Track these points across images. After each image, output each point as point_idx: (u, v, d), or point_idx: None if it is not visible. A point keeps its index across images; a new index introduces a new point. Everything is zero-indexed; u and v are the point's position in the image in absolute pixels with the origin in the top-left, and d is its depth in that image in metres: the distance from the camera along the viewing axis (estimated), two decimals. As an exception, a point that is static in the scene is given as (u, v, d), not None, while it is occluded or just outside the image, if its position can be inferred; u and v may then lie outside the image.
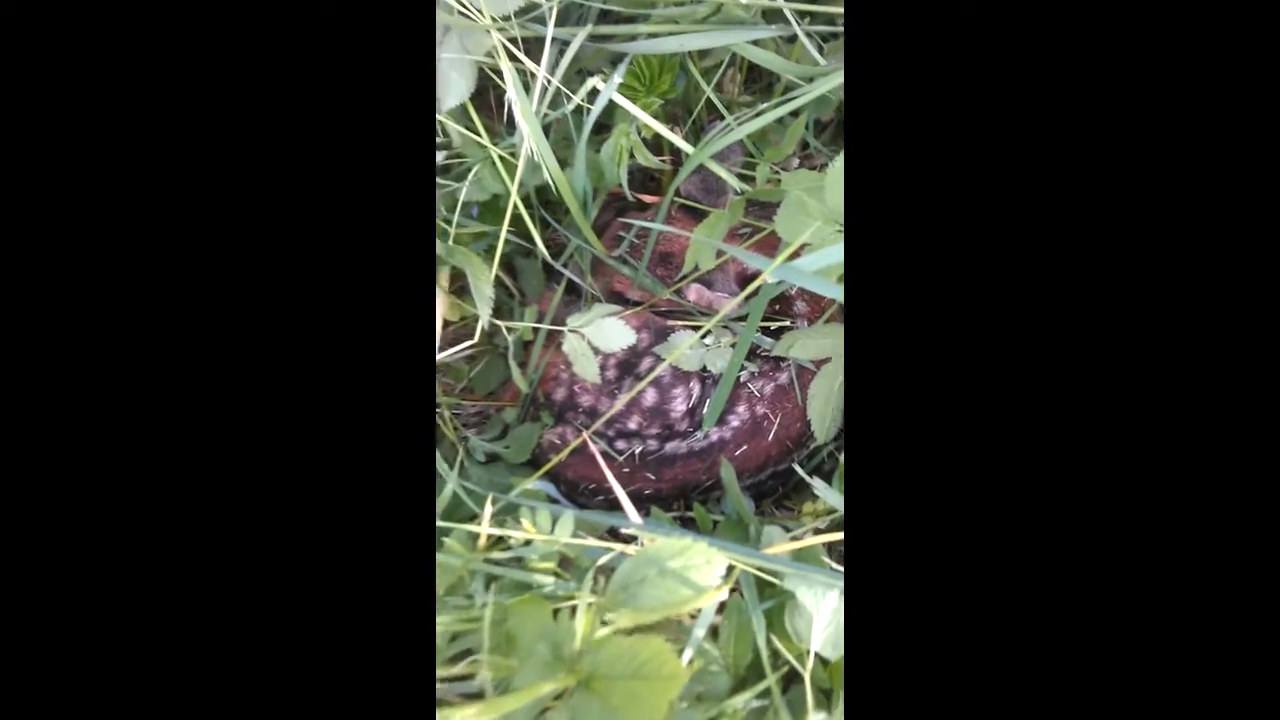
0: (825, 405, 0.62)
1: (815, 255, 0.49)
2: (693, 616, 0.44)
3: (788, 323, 0.64)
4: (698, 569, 0.37)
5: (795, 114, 0.61)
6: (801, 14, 0.56)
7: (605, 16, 0.58)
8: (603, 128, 0.61)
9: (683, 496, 0.63)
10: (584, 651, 0.37)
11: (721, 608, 0.46)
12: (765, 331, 0.63)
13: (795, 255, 0.50)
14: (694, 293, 0.63)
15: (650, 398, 0.61)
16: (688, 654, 0.42)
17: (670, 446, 0.61)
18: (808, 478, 0.55)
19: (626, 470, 0.61)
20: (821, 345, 0.62)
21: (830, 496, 0.55)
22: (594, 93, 0.57)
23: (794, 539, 0.51)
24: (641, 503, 0.59)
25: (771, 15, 0.56)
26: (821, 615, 0.44)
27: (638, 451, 0.61)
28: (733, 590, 0.46)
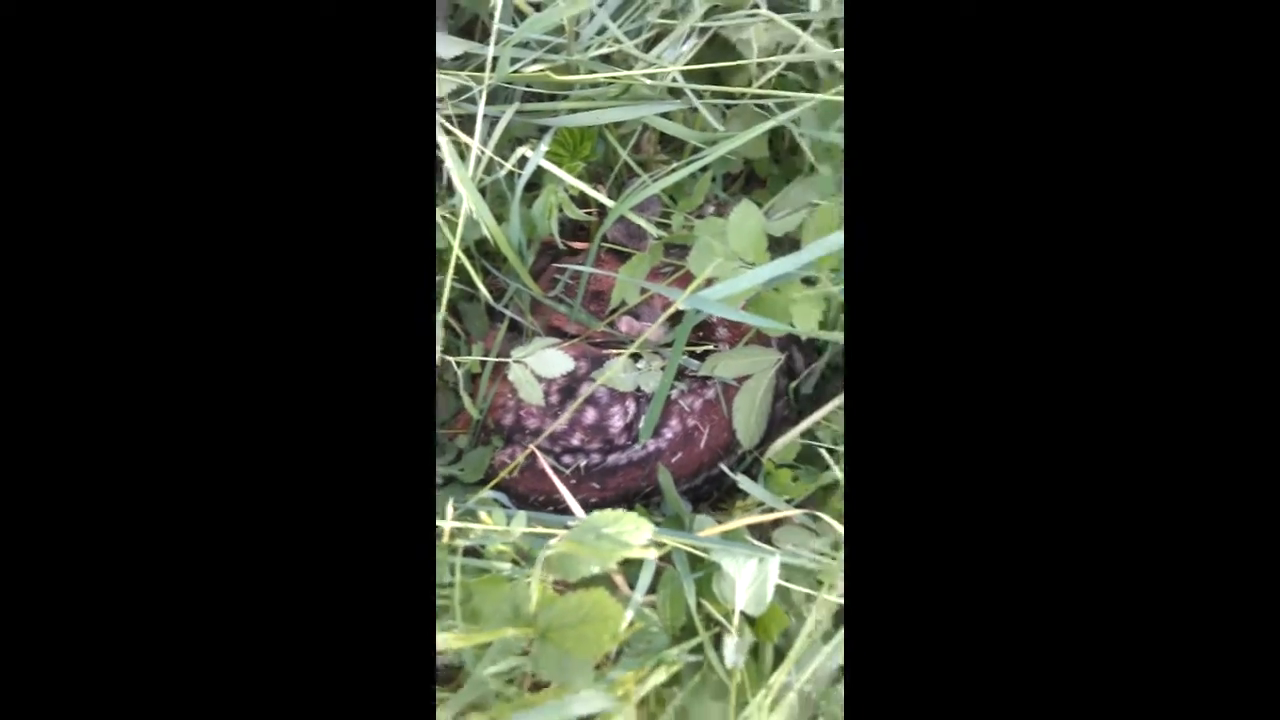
0: (748, 416, 0.74)
1: (720, 286, 0.61)
2: (631, 587, 0.54)
3: (711, 346, 0.76)
4: (629, 533, 0.47)
5: (705, 169, 0.74)
6: (698, 92, 0.70)
7: (530, 97, 0.71)
8: (534, 185, 0.73)
9: (626, 502, 0.73)
10: (539, 611, 0.47)
11: (657, 578, 0.56)
12: (692, 355, 0.75)
13: (707, 287, 0.63)
14: (625, 324, 0.75)
15: (591, 417, 0.72)
16: (629, 615, 0.52)
17: (612, 458, 0.72)
18: (732, 474, 0.66)
19: (574, 482, 0.71)
20: (742, 364, 0.74)
21: (755, 490, 0.66)
22: (524, 160, 0.70)
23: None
24: (589, 510, 0.69)
25: (676, 91, 0.71)
26: (743, 579, 0.55)
27: (583, 465, 0.71)
28: (667, 560, 0.57)
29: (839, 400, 0.70)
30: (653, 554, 0.48)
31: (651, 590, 0.58)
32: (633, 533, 0.47)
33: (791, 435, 0.71)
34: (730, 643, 0.51)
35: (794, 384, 0.76)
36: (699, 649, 0.54)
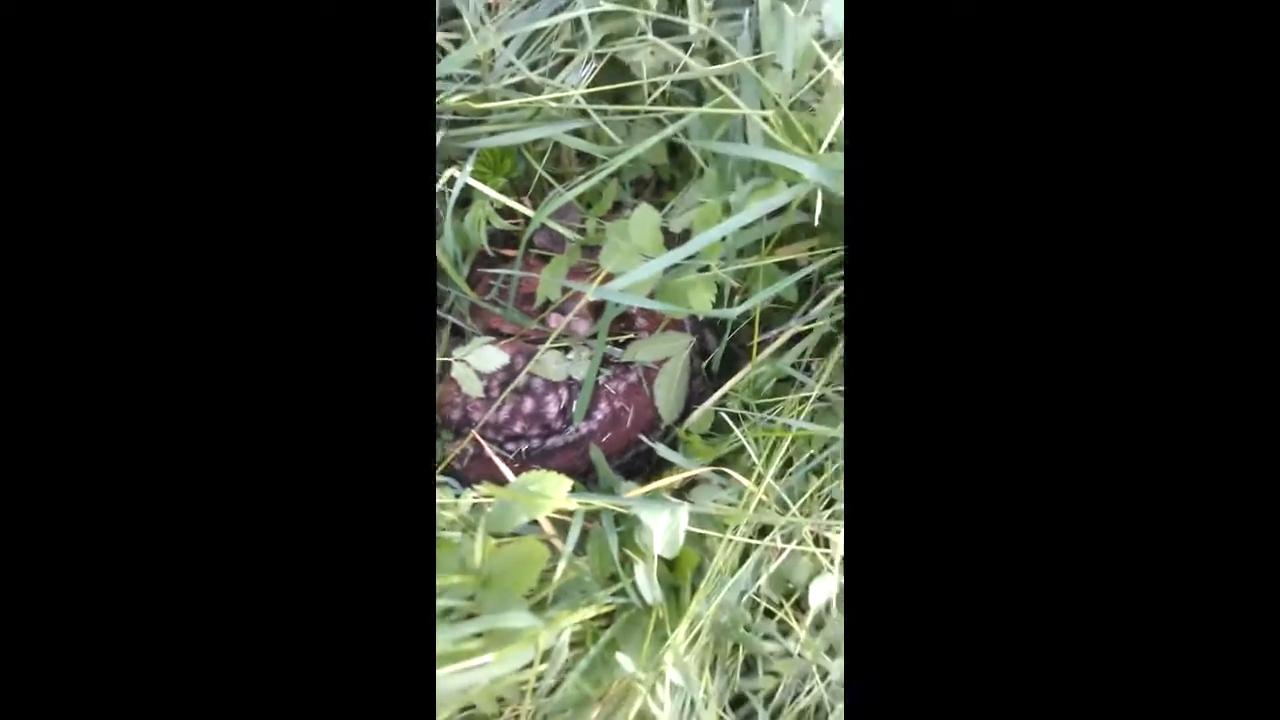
0: (668, 394, 0.84)
1: (623, 278, 0.71)
2: (561, 541, 0.64)
3: (632, 335, 0.86)
4: (550, 488, 0.57)
5: (613, 177, 0.84)
6: (600, 110, 0.80)
7: (455, 124, 0.81)
8: (465, 201, 0.83)
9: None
10: (483, 565, 0.57)
11: (585, 537, 0.66)
12: (615, 344, 0.85)
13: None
14: (555, 320, 0.85)
15: (530, 406, 0.82)
16: (561, 566, 0.62)
17: (550, 442, 0.81)
18: (654, 445, 0.77)
19: (517, 465, 0.80)
20: (660, 348, 0.85)
21: (672, 456, 0.77)
22: (453, 179, 0.79)
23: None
24: (532, 488, 0.78)
25: (581, 111, 0.81)
26: (659, 527, 0.65)
27: (524, 449, 0.81)
28: (595, 520, 0.67)
29: (744, 372, 0.81)
30: (573, 504, 0.58)
31: (584, 550, 0.68)
32: (554, 487, 0.57)
33: (705, 407, 0.82)
34: (640, 570, 0.61)
35: (706, 362, 0.86)
36: (624, 593, 0.64)
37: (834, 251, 0.80)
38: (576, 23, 0.81)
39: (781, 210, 0.75)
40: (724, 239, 0.73)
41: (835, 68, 0.76)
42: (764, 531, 0.71)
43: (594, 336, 0.85)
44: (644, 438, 0.81)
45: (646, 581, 0.61)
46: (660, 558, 0.65)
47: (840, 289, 0.82)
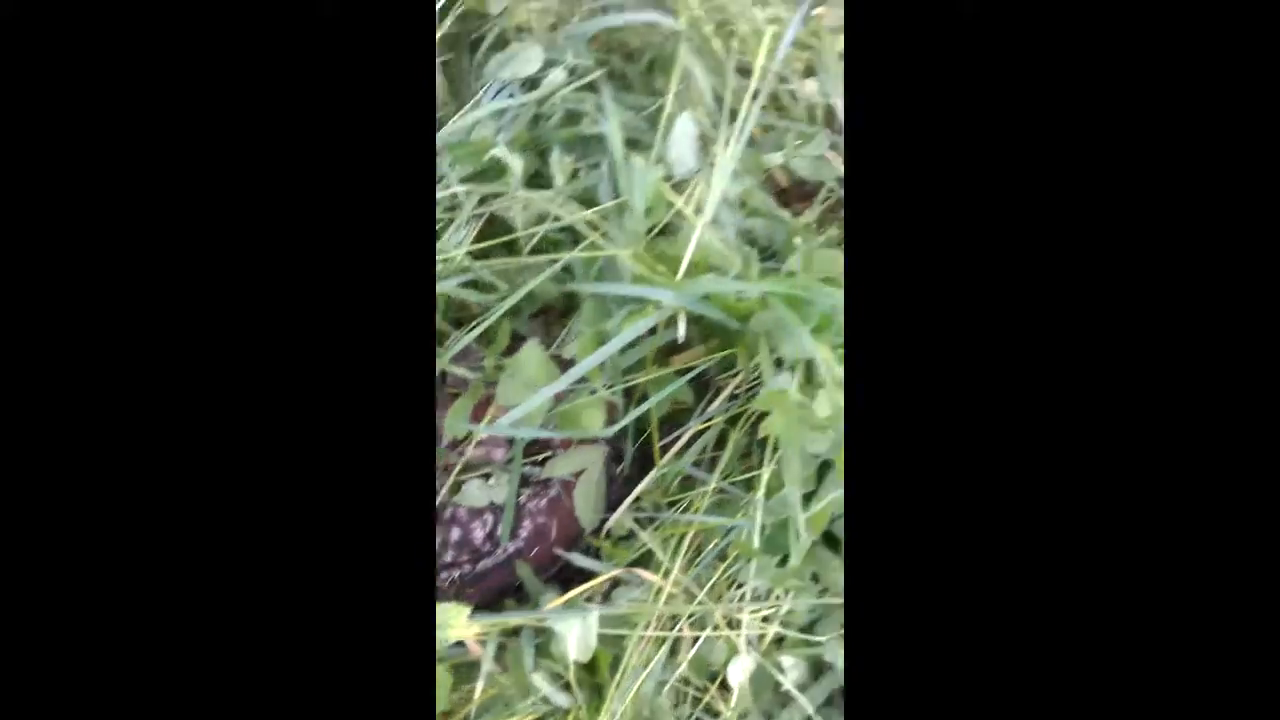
0: (587, 503, 0.91)
1: (515, 410, 0.80)
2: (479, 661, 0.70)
3: (550, 453, 0.94)
4: (452, 619, 0.64)
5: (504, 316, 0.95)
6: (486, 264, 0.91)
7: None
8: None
9: (502, 598, 0.89)
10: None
11: (502, 652, 0.72)
12: (533, 464, 0.93)
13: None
14: (472, 452, 0.93)
15: (456, 535, 0.88)
16: (479, 686, 0.67)
17: (481, 565, 0.88)
18: (565, 554, 0.83)
19: (453, 593, 0.87)
20: (575, 462, 0.92)
21: (587, 564, 0.83)
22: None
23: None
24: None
25: (466, 267, 0.92)
26: (571, 635, 0.71)
27: (457, 575, 0.87)
28: (515, 634, 0.73)
29: (650, 476, 0.89)
30: (474, 629, 0.64)
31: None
32: (454, 618, 0.64)
33: (619, 513, 0.89)
34: (540, 679, 0.67)
35: (619, 469, 0.94)
36: (544, 701, 0.69)
37: (717, 355, 0.89)
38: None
39: (654, 331, 0.85)
40: (604, 364, 0.83)
41: (685, 205, 0.88)
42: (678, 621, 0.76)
43: (510, 461, 0.93)
44: (561, 551, 0.88)
45: (553, 689, 0.67)
46: (575, 661, 0.71)
47: (731, 386, 0.91)
